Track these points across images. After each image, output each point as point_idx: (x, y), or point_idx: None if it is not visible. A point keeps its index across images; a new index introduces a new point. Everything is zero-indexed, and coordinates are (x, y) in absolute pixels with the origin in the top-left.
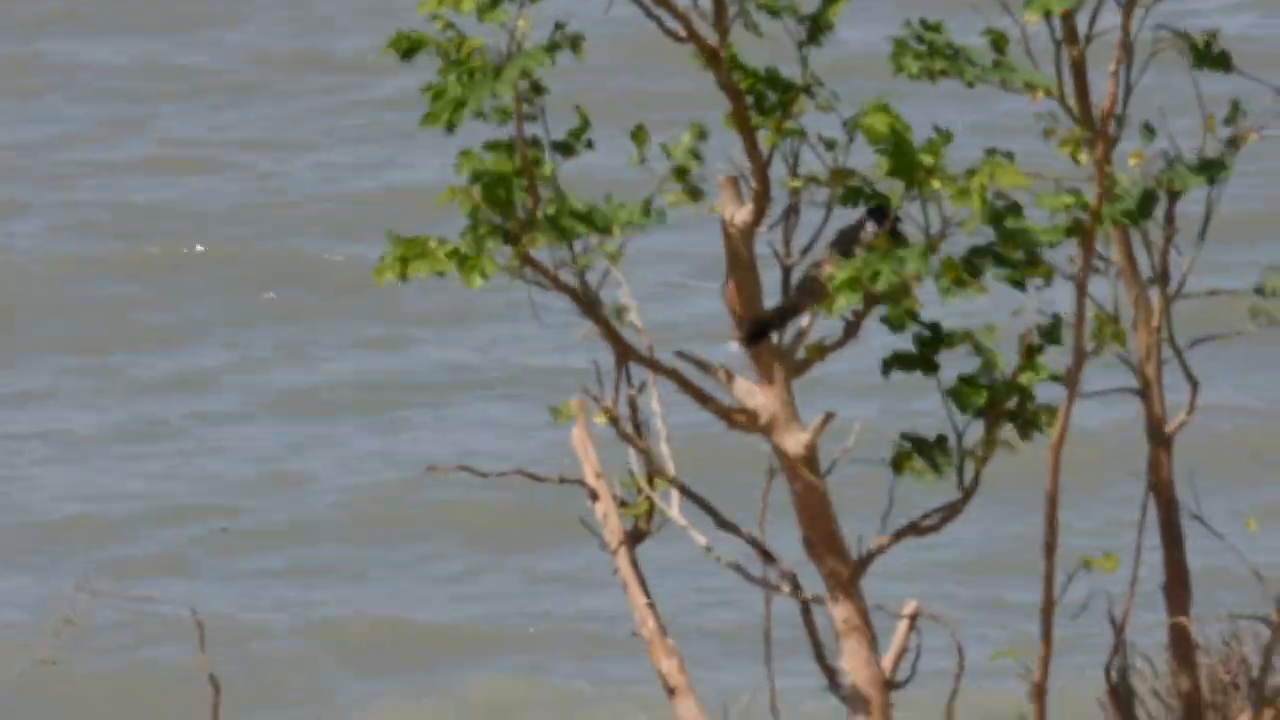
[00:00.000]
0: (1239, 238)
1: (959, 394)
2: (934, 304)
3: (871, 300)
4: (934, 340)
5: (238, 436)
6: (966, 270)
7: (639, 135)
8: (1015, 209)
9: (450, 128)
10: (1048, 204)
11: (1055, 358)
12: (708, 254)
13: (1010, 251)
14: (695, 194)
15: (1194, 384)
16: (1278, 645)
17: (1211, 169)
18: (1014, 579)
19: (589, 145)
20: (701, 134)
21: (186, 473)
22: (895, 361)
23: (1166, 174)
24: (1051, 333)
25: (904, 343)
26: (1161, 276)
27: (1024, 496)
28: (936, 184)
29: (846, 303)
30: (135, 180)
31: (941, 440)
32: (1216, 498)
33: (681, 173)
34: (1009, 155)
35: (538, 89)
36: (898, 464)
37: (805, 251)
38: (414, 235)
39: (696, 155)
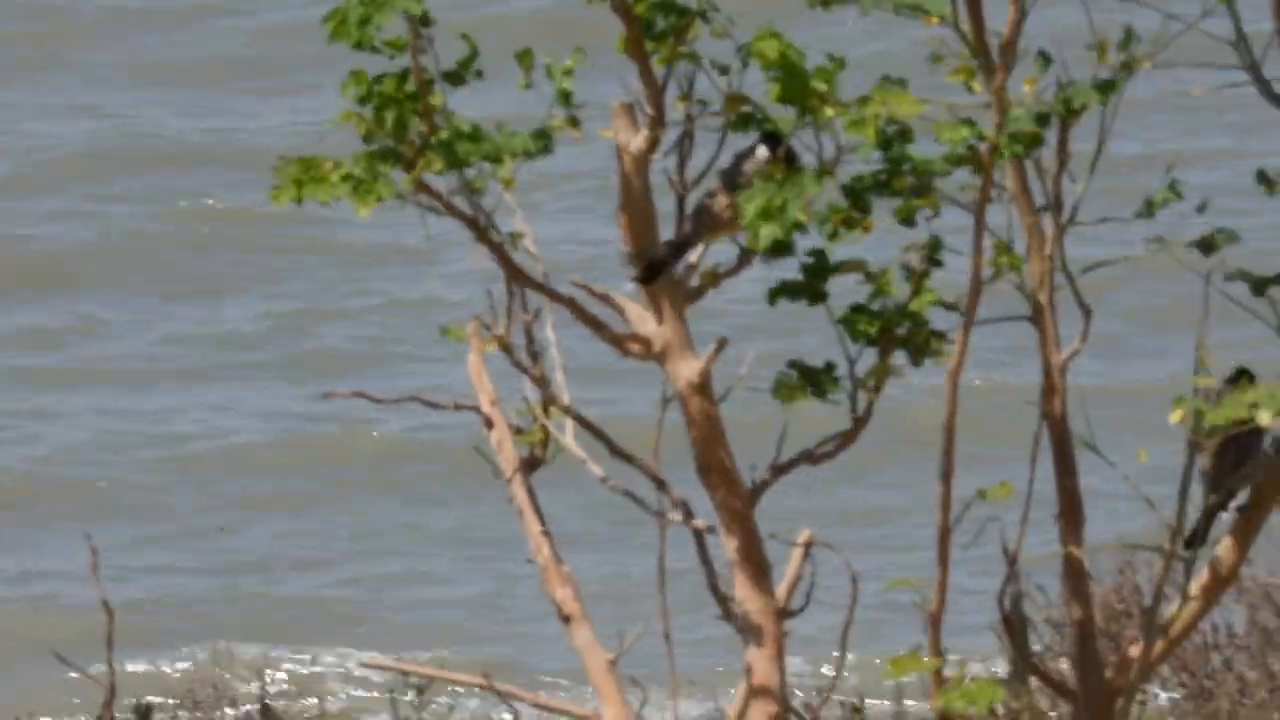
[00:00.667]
0: (1125, 175)
1: (850, 322)
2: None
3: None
4: (820, 268)
5: None
6: (855, 208)
7: (525, 59)
8: (906, 136)
9: (358, 44)
10: (946, 137)
11: (950, 288)
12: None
13: (901, 182)
14: (575, 121)
15: (1087, 312)
16: (1169, 574)
17: (1106, 88)
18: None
19: (478, 75)
20: (583, 58)
21: None
22: (782, 290)
23: (1062, 93)
24: (932, 253)
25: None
26: (1055, 204)
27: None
28: (830, 111)
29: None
30: None
31: (830, 367)
32: (1108, 426)
33: (565, 97)
34: (902, 83)
35: (426, 20)
36: (783, 393)
37: (699, 179)
38: (309, 157)
39: (570, 73)
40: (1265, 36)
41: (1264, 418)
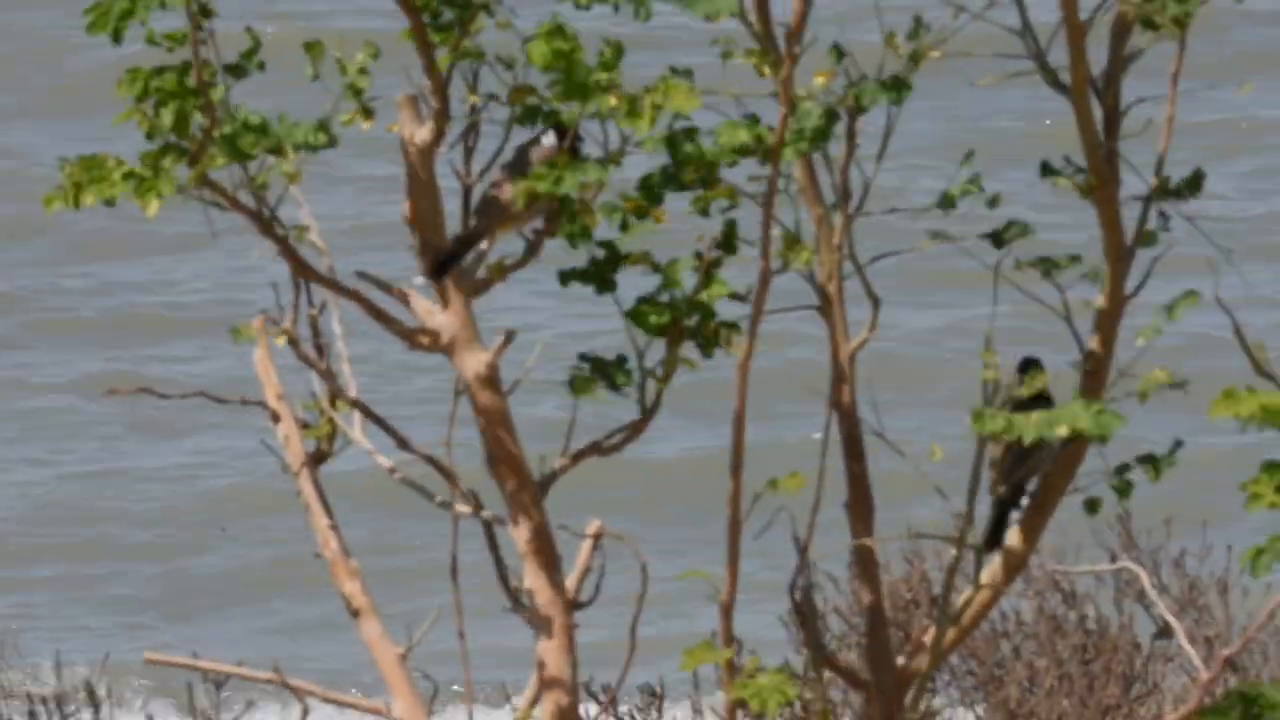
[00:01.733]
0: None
1: (638, 314)
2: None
3: (554, 219)
4: (611, 258)
5: None
6: (645, 199)
7: (314, 50)
8: (690, 134)
9: (116, 37)
10: (725, 140)
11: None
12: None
13: (688, 176)
14: (368, 113)
15: (875, 301)
16: (959, 563)
17: (896, 86)
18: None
19: (260, 67)
20: (375, 53)
21: None
22: (572, 275)
23: (851, 89)
24: (726, 241)
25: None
26: (843, 195)
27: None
28: (612, 100)
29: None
30: None
31: (621, 360)
32: (898, 415)
33: (356, 91)
34: (688, 73)
35: (206, 12)
36: (575, 385)
37: (484, 171)
38: (91, 156)
39: (365, 72)
40: (1051, 28)
41: (1061, 432)
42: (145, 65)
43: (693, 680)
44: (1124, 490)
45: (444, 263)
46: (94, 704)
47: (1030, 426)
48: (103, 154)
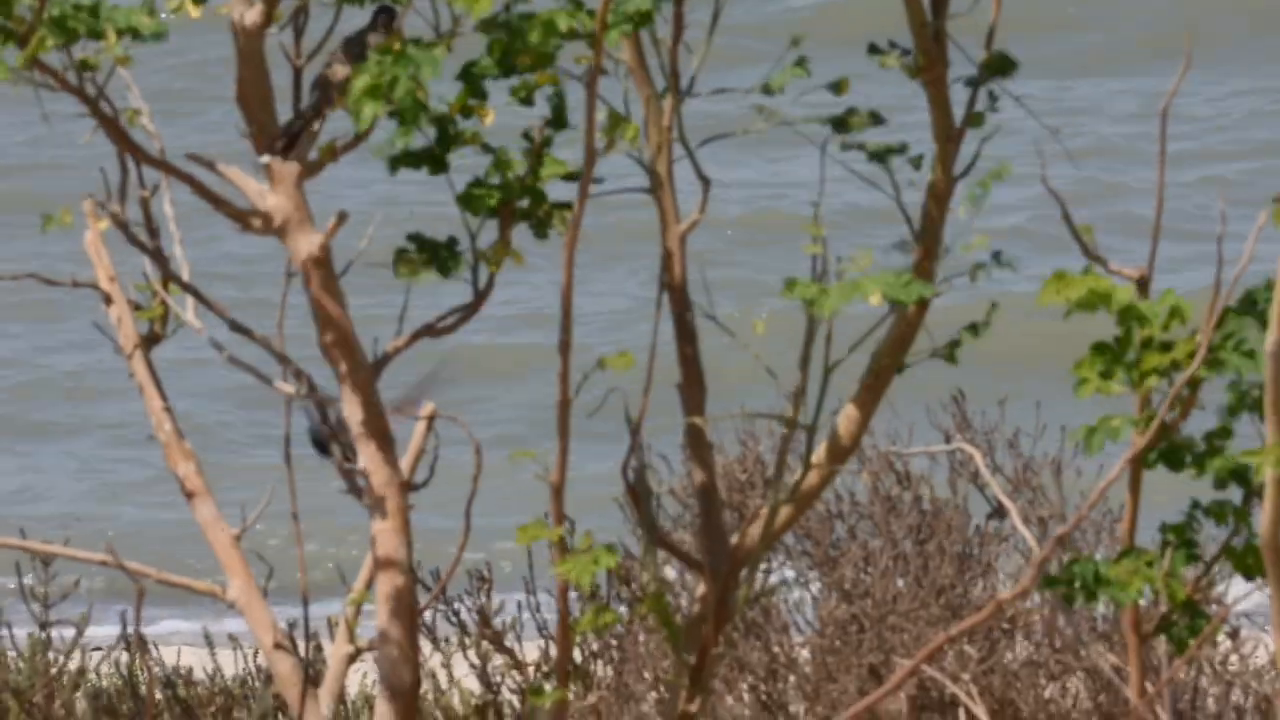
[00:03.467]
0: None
1: (470, 198)
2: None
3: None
4: (442, 139)
5: None
6: (470, 91)
7: None
8: (529, 17)
9: None
10: (544, 28)
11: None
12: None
13: (520, 61)
14: (197, 0)
15: (705, 182)
16: (791, 443)
17: None
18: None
19: None
20: None
21: None
22: (404, 159)
23: None
24: (556, 119)
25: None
26: (672, 76)
27: None
28: None
29: (371, 113)
30: None
31: (452, 242)
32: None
33: None
34: None
35: None
36: (405, 268)
37: (314, 54)
38: None
39: None
40: None
41: (875, 301)
42: None
43: (528, 563)
44: (951, 356)
45: (292, 139)
46: None
47: (836, 295)
48: None
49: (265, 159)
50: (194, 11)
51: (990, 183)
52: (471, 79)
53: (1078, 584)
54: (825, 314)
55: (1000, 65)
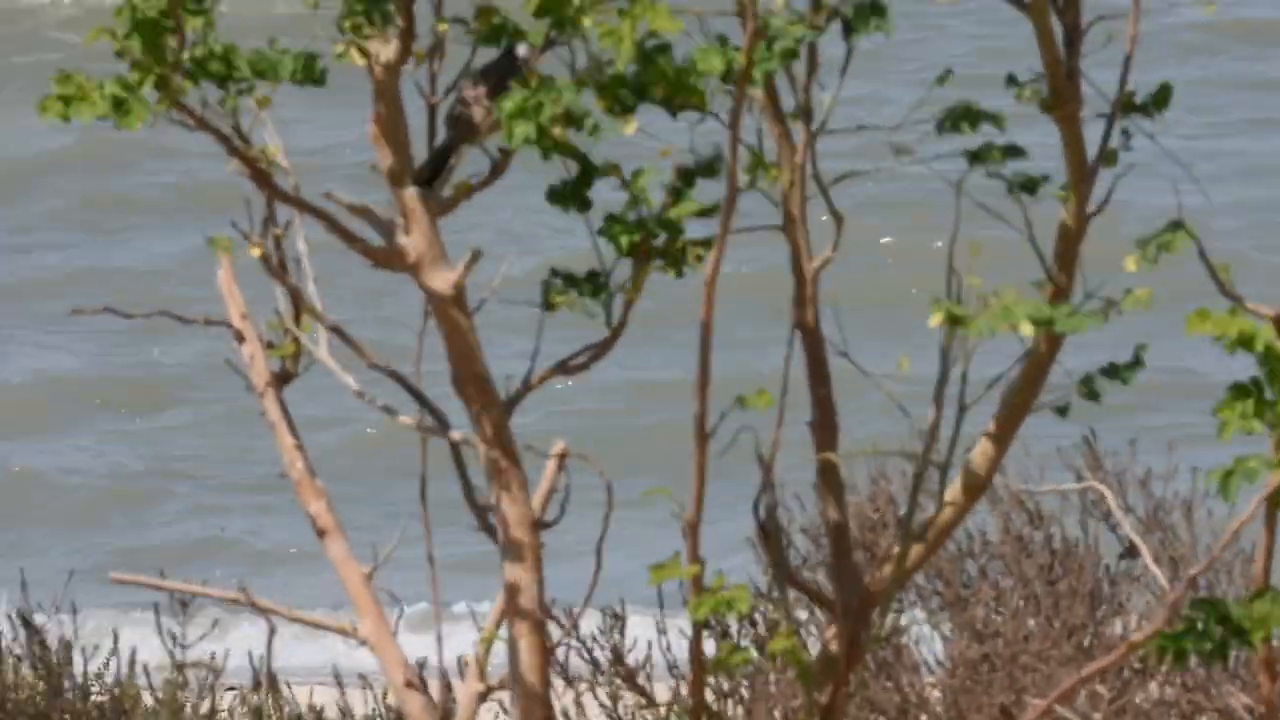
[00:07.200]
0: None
1: (608, 232)
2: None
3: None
4: (585, 174)
5: None
6: (617, 105)
7: None
8: (664, 50)
9: None
10: (704, 65)
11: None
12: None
13: (658, 91)
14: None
15: (838, 220)
16: (922, 482)
17: (878, 11)
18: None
19: None
20: None
21: None
22: (552, 196)
23: (823, 10)
24: (710, 166)
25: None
26: (805, 112)
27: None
28: (588, 21)
29: (524, 132)
30: None
31: (593, 275)
32: (863, 333)
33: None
34: None
35: None
36: (549, 300)
37: (450, 90)
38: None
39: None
40: None
41: (1025, 329)
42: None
43: (658, 600)
44: (1093, 395)
45: (436, 171)
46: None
47: (988, 320)
48: (77, 73)
49: (410, 191)
50: (359, 60)
51: (1175, 242)
52: (614, 94)
53: (1200, 626)
54: (973, 335)
55: (1160, 97)
